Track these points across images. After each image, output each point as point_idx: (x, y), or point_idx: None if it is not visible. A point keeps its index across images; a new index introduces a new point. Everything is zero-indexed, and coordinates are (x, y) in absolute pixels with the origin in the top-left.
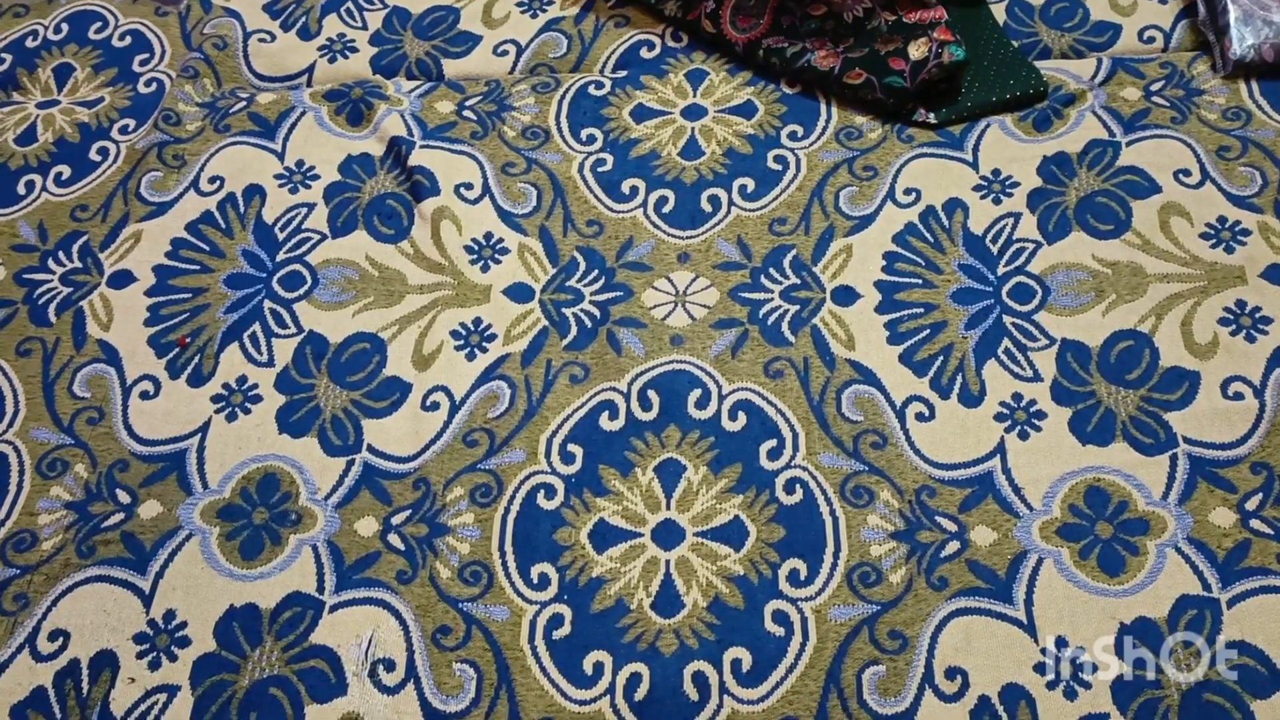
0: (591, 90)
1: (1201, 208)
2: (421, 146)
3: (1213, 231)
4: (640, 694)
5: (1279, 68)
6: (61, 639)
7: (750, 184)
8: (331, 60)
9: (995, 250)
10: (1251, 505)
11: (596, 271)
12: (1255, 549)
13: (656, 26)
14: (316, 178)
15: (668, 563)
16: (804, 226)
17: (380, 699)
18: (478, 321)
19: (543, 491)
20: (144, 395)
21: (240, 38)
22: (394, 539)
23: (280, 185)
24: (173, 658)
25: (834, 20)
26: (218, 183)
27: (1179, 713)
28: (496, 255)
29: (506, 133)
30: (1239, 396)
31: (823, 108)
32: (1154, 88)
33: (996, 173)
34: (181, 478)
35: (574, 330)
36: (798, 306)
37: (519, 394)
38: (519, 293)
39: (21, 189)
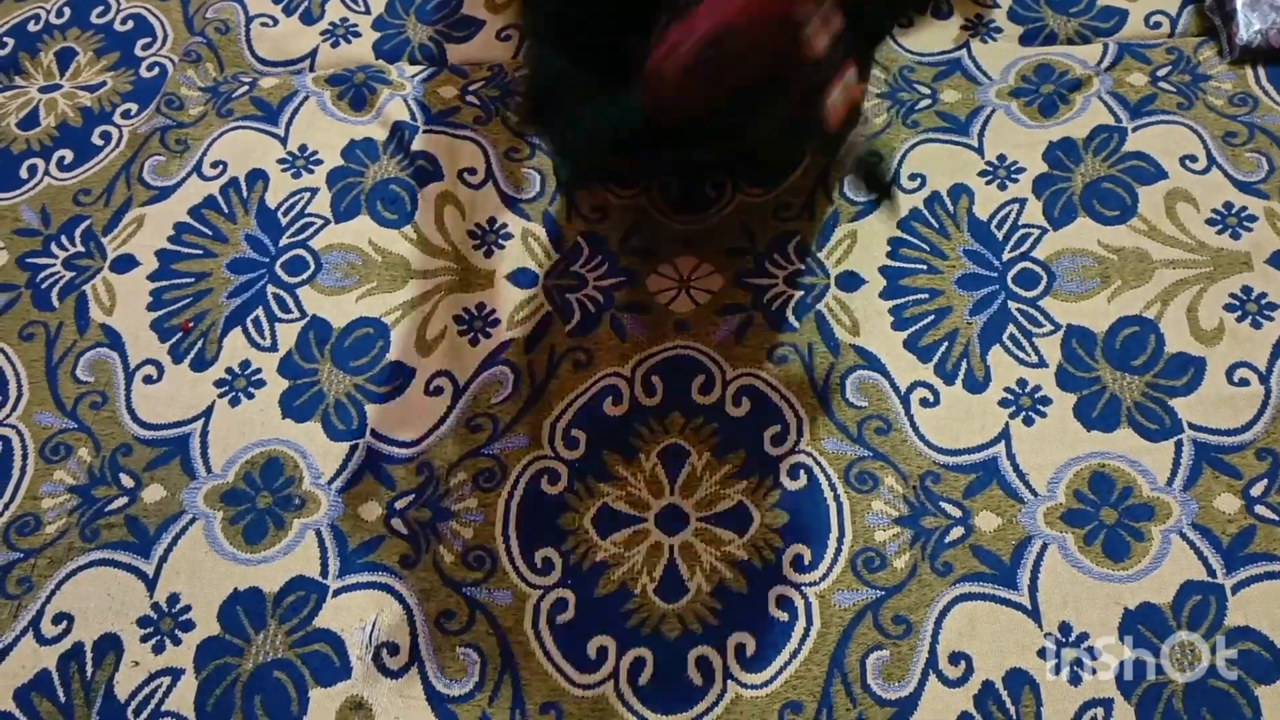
0: None
1: (1208, 193)
2: (425, 131)
3: (1219, 217)
4: (644, 678)
5: None
6: (65, 622)
7: None
8: (334, 45)
9: (1000, 236)
10: (1257, 491)
11: (600, 257)
12: (1260, 535)
13: None
14: (319, 162)
15: (672, 548)
16: (807, 212)
17: (384, 683)
18: (481, 307)
19: (546, 476)
20: (147, 380)
21: (243, 22)
22: (397, 523)
23: (283, 170)
24: (176, 641)
25: None
26: (220, 167)
27: (1183, 699)
28: (500, 240)
29: (510, 117)
30: (1244, 383)
31: None
32: (1160, 73)
33: (1002, 158)
34: (185, 462)
35: (577, 315)
36: (802, 292)
37: (522, 379)
38: (523, 278)
39: (24, 173)
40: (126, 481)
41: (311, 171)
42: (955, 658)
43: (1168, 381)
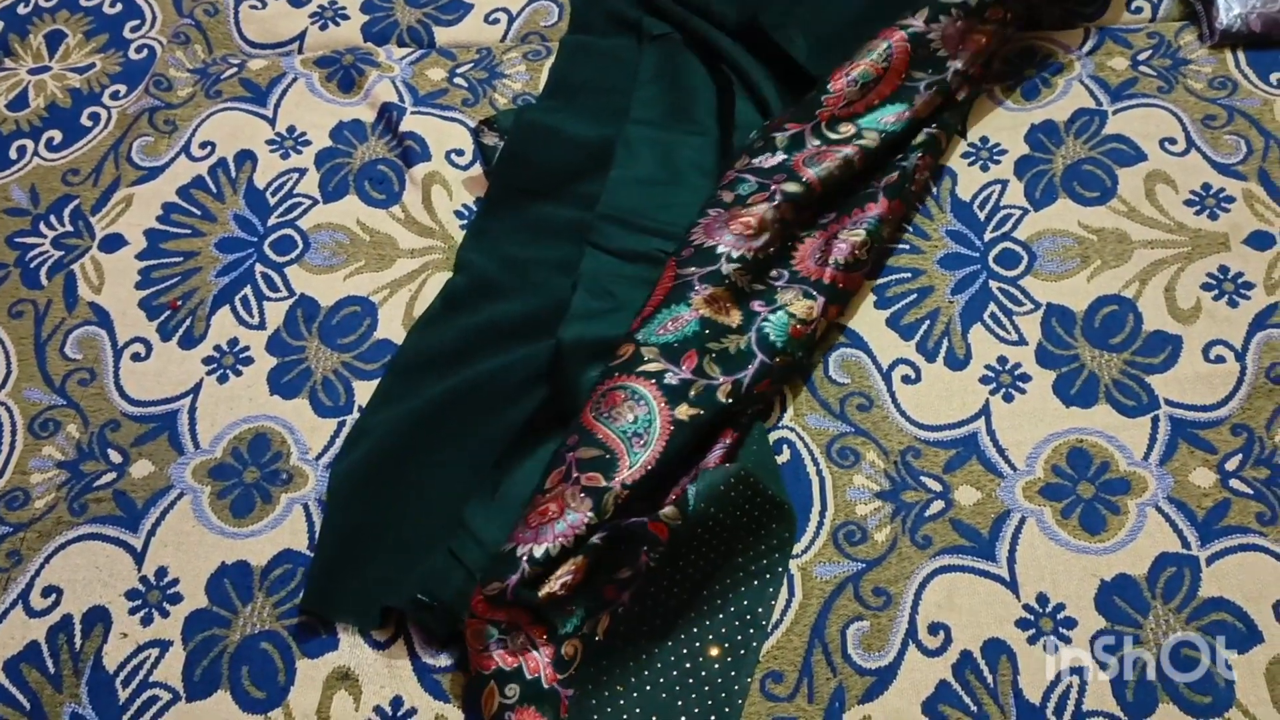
0: None
1: (1186, 175)
2: (412, 113)
3: (1197, 198)
4: None
5: (1266, 37)
6: (54, 595)
7: None
8: (323, 27)
9: (982, 216)
10: (1231, 466)
11: None
12: (1235, 508)
13: None
14: (308, 143)
15: None
16: None
17: (371, 653)
18: None
19: None
20: (135, 357)
21: (231, 4)
22: None
23: (272, 150)
24: (164, 613)
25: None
26: (209, 148)
27: (1157, 668)
28: None
29: (498, 100)
30: (1220, 360)
31: None
32: (1141, 57)
33: (985, 140)
34: (173, 437)
35: None
36: None
37: None
38: None
39: (13, 153)
40: (115, 457)
41: (300, 152)
42: (934, 628)
43: (1145, 359)
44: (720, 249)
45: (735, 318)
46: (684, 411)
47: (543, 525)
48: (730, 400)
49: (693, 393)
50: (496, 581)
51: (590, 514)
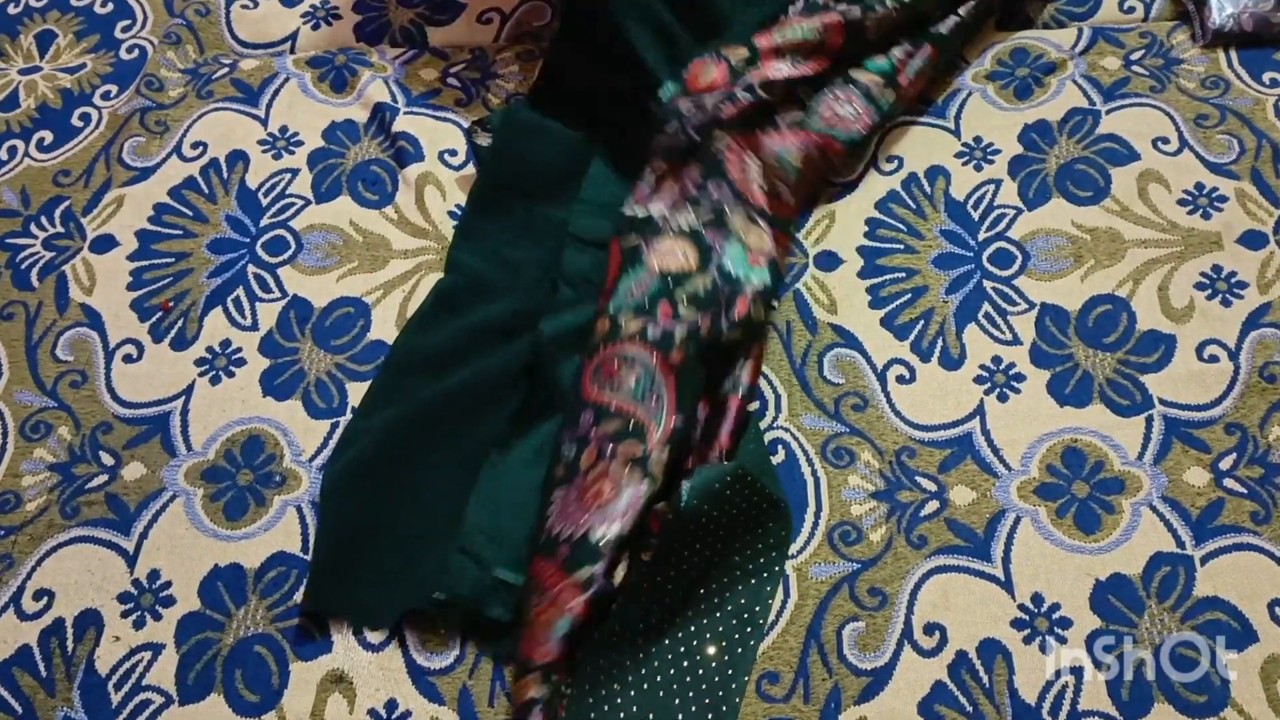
0: None
1: (1179, 175)
2: (405, 113)
3: (1190, 198)
4: None
5: (1258, 37)
6: (46, 598)
7: None
8: (315, 27)
9: (976, 216)
10: (1225, 465)
11: None
12: (1229, 507)
13: None
14: (300, 144)
15: None
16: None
17: (365, 656)
18: None
19: None
20: (127, 359)
21: (223, 4)
22: None
23: (264, 151)
24: (157, 616)
25: None
26: (201, 148)
27: (1153, 667)
28: None
29: (491, 100)
30: (1214, 359)
31: None
32: (1134, 57)
33: (978, 140)
34: (165, 440)
35: None
36: None
37: None
38: None
39: (4, 154)
40: (106, 459)
41: (292, 153)
42: (930, 628)
43: (1139, 358)
44: (653, 212)
45: (693, 260)
46: (675, 357)
47: (603, 506)
48: (715, 332)
49: (678, 339)
50: (588, 566)
51: (644, 484)
